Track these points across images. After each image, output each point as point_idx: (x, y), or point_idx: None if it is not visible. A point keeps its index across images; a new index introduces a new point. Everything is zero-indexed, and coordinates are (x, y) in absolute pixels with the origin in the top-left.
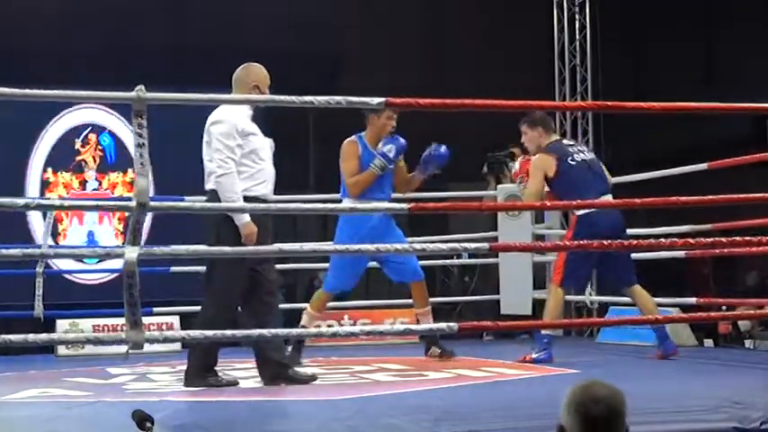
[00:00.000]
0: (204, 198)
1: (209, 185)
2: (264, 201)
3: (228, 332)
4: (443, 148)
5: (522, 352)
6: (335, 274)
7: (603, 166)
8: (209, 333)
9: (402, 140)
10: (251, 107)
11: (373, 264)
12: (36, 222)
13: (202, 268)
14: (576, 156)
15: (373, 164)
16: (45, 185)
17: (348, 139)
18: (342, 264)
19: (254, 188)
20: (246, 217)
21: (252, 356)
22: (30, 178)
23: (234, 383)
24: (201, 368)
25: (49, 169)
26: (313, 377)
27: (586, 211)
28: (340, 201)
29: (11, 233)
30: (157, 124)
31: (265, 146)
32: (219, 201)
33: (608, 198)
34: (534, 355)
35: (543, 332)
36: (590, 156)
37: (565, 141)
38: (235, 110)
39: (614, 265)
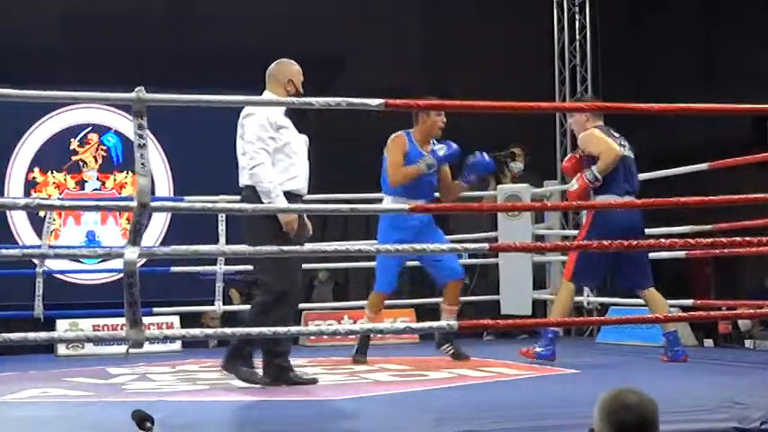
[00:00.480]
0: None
1: (243, 180)
2: (298, 196)
3: (228, 331)
4: (487, 157)
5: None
6: (382, 274)
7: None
8: (210, 331)
9: (455, 146)
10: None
11: (413, 263)
12: (19, 223)
13: (202, 268)
14: (621, 146)
15: (422, 159)
16: (31, 185)
17: (396, 133)
18: (387, 264)
19: (288, 183)
20: (284, 200)
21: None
22: (11, 179)
23: (314, 382)
24: (282, 365)
25: (36, 169)
26: (314, 380)
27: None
28: (341, 201)
29: None
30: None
31: (300, 141)
32: (257, 195)
33: (630, 199)
34: (538, 349)
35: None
36: (629, 153)
37: (612, 131)
38: (270, 108)
39: (629, 266)
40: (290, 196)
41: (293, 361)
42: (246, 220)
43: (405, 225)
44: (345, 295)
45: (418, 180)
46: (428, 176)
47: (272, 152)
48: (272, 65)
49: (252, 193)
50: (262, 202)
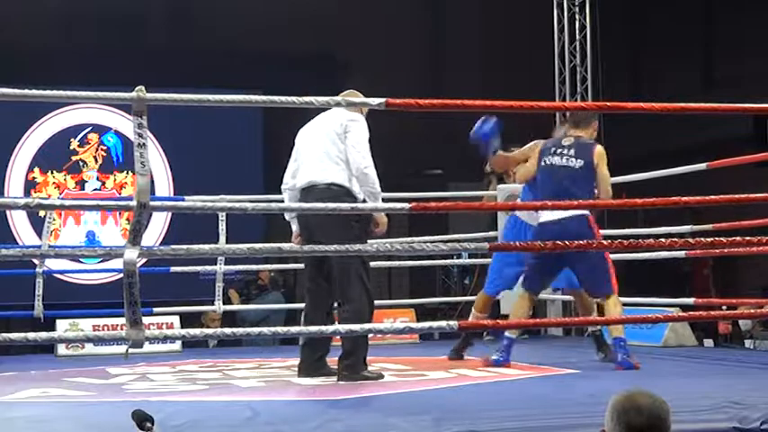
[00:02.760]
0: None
1: (331, 178)
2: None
3: (228, 330)
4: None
5: (522, 351)
6: (492, 277)
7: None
8: (210, 331)
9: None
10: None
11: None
12: (19, 223)
13: (202, 268)
14: (550, 159)
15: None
16: (31, 186)
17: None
18: (497, 267)
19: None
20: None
21: (251, 357)
22: (11, 179)
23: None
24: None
25: (36, 169)
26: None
27: (542, 220)
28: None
29: None
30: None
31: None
32: (350, 195)
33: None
34: (493, 357)
35: (506, 333)
36: (564, 162)
37: (564, 141)
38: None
39: (582, 272)
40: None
41: (289, 361)
42: (330, 221)
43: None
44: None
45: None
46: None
47: None
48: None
49: (344, 193)
50: (353, 201)
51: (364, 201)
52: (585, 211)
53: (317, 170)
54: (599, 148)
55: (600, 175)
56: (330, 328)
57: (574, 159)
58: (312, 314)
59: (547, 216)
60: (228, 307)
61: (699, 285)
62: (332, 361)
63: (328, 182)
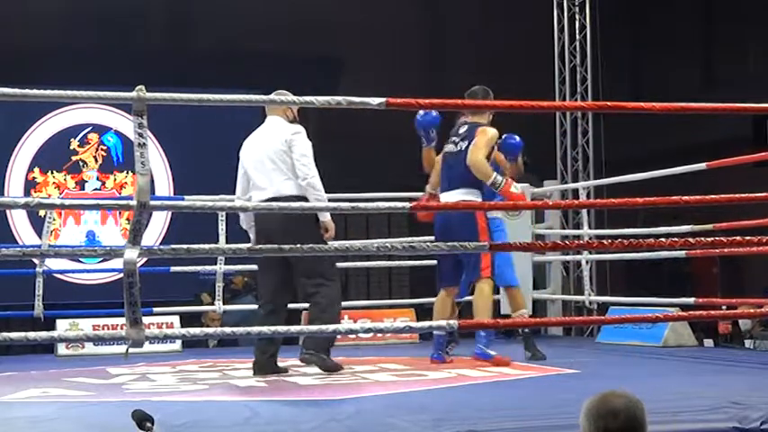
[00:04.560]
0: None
1: (288, 191)
2: None
3: (228, 330)
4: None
5: (521, 352)
6: (513, 269)
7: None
8: (210, 331)
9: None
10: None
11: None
12: (19, 222)
13: (202, 268)
14: (446, 147)
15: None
16: (31, 185)
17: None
18: (510, 257)
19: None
20: (329, 215)
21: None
22: (11, 179)
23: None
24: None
25: (36, 169)
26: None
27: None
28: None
29: None
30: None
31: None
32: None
33: (447, 194)
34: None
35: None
36: (452, 148)
37: (460, 129)
38: (296, 126)
39: (465, 263)
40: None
41: (289, 362)
42: (293, 225)
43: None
44: (346, 295)
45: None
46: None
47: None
48: (273, 94)
49: (301, 201)
50: (314, 214)
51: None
52: (470, 196)
53: (275, 184)
54: (482, 128)
55: (472, 147)
56: (330, 328)
57: (462, 143)
58: (270, 320)
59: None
60: (228, 307)
61: (706, 285)
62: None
63: (287, 194)
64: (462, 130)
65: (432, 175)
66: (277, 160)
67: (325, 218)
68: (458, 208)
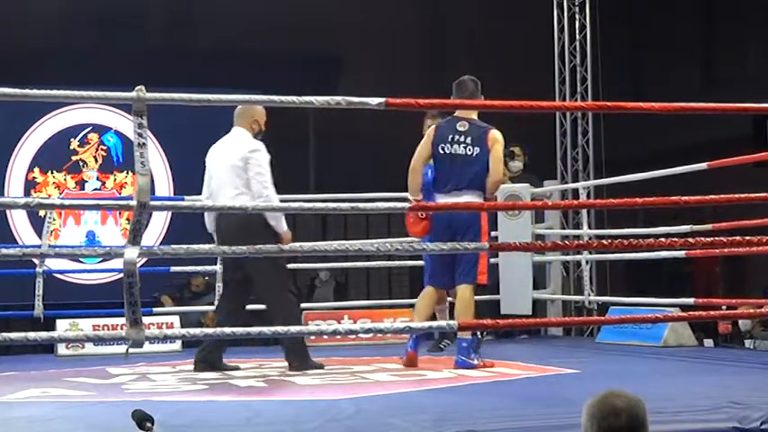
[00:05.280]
0: None
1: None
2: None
3: (228, 330)
4: None
5: (522, 351)
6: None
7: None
8: (210, 331)
9: None
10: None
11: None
12: (19, 222)
13: (202, 268)
14: (447, 146)
15: None
16: (31, 186)
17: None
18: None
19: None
20: (285, 225)
21: (253, 357)
22: (11, 179)
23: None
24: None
25: (36, 169)
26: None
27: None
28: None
29: None
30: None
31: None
32: (261, 220)
33: (455, 194)
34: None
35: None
36: (461, 150)
37: (459, 126)
38: (257, 142)
39: (459, 263)
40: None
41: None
42: (246, 232)
43: None
44: (346, 295)
45: None
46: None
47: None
48: (239, 107)
49: (257, 218)
50: (267, 226)
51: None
52: (477, 199)
53: (226, 198)
54: (494, 135)
55: (492, 158)
56: (330, 328)
57: (474, 148)
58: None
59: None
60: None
61: (707, 285)
62: (337, 361)
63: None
64: (465, 128)
65: (416, 179)
66: (232, 174)
67: (281, 229)
68: (457, 208)
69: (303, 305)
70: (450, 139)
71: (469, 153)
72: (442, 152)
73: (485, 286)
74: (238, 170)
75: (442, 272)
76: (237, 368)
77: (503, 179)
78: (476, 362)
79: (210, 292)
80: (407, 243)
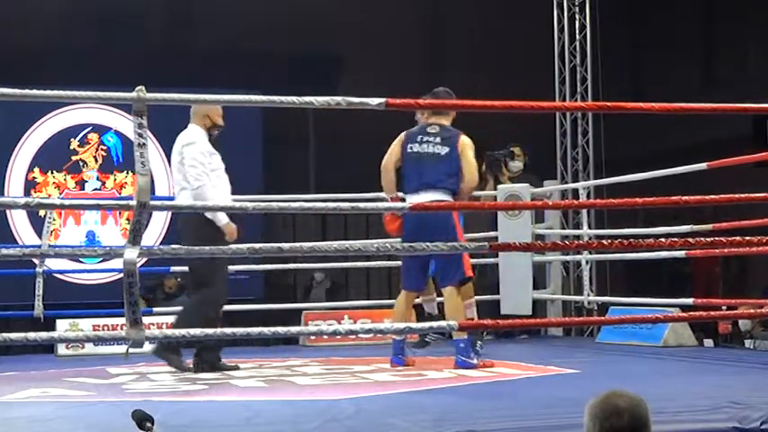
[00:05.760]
0: None
1: (183, 200)
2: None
3: (228, 330)
4: None
5: (522, 351)
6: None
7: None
8: (210, 331)
9: None
10: (207, 133)
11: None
12: (19, 223)
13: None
14: (417, 145)
15: None
16: (31, 186)
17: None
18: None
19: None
20: (226, 218)
21: (253, 357)
22: (11, 179)
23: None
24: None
25: (36, 169)
26: (236, 367)
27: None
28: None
29: None
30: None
31: (222, 166)
32: (198, 212)
33: (423, 194)
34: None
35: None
36: (431, 149)
37: (429, 129)
38: (197, 134)
39: (440, 265)
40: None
41: (289, 361)
42: (188, 227)
43: None
44: (346, 295)
45: None
46: None
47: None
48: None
49: (195, 213)
50: (208, 221)
51: None
52: (446, 198)
53: (177, 196)
54: (464, 140)
55: (465, 163)
56: (330, 329)
57: (443, 147)
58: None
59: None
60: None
61: (707, 285)
62: (337, 361)
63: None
64: (436, 131)
65: (387, 177)
66: (176, 171)
67: (222, 222)
68: (456, 208)
69: (300, 306)
70: (419, 140)
71: (438, 151)
72: (410, 151)
73: (471, 279)
74: (178, 165)
75: (415, 275)
76: (237, 368)
77: (475, 184)
78: (476, 361)
79: (183, 293)
80: (407, 244)
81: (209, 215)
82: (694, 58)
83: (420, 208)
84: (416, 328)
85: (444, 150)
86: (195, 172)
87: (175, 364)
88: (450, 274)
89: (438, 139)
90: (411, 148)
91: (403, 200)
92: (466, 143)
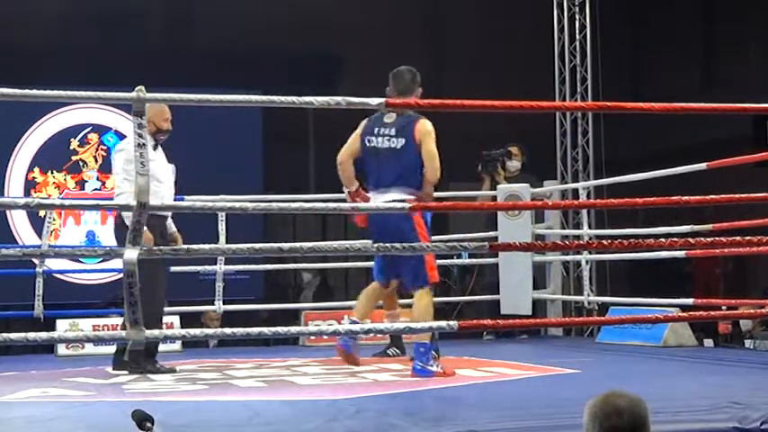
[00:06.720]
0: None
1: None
2: (163, 216)
3: (228, 331)
4: None
5: (522, 351)
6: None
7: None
8: (210, 331)
9: None
10: (152, 138)
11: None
12: (19, 223)
13: (203, 268)
14: (373, 138)
15: None
16: (31, 186)
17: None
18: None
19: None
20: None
21: (253, 357)
22: (11, 179)
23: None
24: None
25: (36, 169)
26: (173, 370)
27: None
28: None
29: None
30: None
31: (165, 170)
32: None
33: (377, 192)
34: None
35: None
36: (386, 144)
37: (386, 118)
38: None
39: (403, 267)
40: (154, 216)
41: (290, 361)
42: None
43: None
44: (346, 295)
45: None
46: None
47: None
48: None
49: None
50: (123, 223)
51: None
52: (407, 198)
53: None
54: (422, 125)
55: (425, 154)
56: (330, 329)
57: (399, 140)
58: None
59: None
60: (228, 307)
61: (707, 285)
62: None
63: None
64: (392, 120)
65: (345, 170)
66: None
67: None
68: (457, 208)
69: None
70: (375, 132)
71: (393, 145)
72: (367, 145)
73: (437, 284)
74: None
75: (387, 269)
76: (174, 371)
77: (437, 177)
78: (435, 368)
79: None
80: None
81: (126, 221)
82: (694, 58)
83: (420, 208)
84: (416, 328)
85: (400, 143)
86: (118, 178)
87: (145, 369)
88: (413, 279)
89: (393, 131)
90: (369, 141)
91: (365, 190)
92: (423, 131)
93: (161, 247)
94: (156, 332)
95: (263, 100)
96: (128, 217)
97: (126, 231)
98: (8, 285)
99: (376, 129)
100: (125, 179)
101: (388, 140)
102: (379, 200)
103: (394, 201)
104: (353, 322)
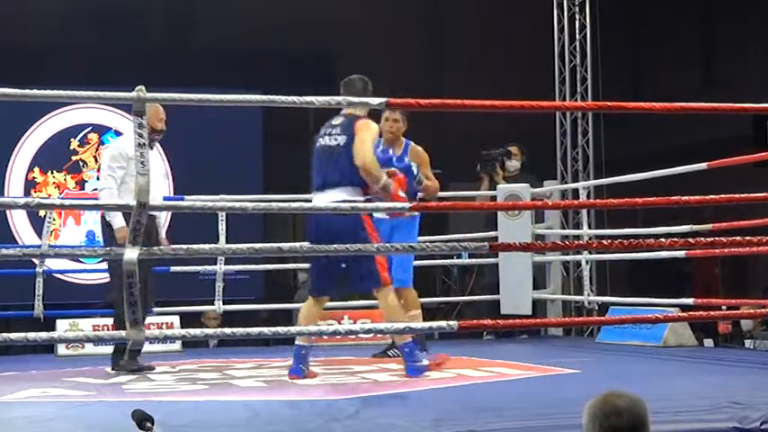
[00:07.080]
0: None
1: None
2: (150, 216)
3: (228, 330)
4: None
5: (522, 351)
6: (404, 268)
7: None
8: (210, 331)
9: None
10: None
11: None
12: (19, 223)
13: (203, 268)
14: (321, 140)
15: (388, 181)
16: (31, 185)
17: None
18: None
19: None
20: (120, 222)
21: (253, 357)
22: (11, 179)
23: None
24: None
25: (36, 169)
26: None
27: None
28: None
29: None
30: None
31: (158, 171)
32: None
33: (324, 192)
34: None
35: (297, 341)
36: (330, 141)
37: (334, 121)
38: (126, 139)
39: (351, 270)
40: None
41: (289, 361)
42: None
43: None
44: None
45: None
46: None
47: (123, 177)
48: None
49: (104, 216)
50: (106, 221)
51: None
52: (353, 198)
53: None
54: (362, 122)
55: (356, 143)
56: (330, 328)
57: (340, 137)
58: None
59: (316, 205)
60: (228, 307)
61: (707, 285)
62: (337, 361)
63: None
64: (338, 121)
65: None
66: None
67: (116, 225)
68: (457, 208)
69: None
70: (323, 133)
71: (334, 143)
72: (317, 146)
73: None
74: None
75: (324, 280)
76: (152, 368)
77: (371, 164)
78: (426, 362)
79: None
80: (407, 244)
81: (107, 217)
82: (694, 58)
83: (420, 208)
84: (417, 328)
85: (342, 140)
86: (102, 175)
87: (129, 367)
88: (366, 283)
89: (337, 129)
90: (318, 141)
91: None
92: (362, 126)
93: (161, 247)
94: (156, 332)
95: (263, 100)
96: (112, 216)
97: (109, 230)
98: (8, 285)
99: (325, 130)
100: (109, 175)
101: (334, 139)
102: (322, 199)
103: (337, 201)
104: (301, 347)
